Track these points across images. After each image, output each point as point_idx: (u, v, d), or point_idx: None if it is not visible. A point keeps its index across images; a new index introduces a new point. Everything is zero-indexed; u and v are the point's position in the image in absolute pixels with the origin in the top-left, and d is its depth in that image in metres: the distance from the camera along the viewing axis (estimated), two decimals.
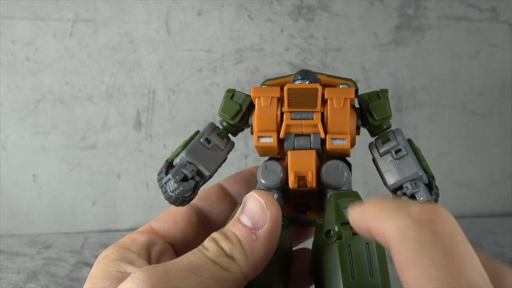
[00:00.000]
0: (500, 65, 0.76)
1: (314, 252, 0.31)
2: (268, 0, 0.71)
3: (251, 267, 0.27)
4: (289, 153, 0.32)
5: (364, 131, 0.35)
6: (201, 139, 0.34)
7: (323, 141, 0.32)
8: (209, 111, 0.72)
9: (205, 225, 0.37)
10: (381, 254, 0.29)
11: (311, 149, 0.32)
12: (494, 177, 0.79)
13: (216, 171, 0.34)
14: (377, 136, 0.34)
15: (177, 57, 0.72)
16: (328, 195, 0.32)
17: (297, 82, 0.33)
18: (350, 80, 0.34)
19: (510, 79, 0.77)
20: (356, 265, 0.28)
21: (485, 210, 0.79)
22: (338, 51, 0.73)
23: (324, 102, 0.32)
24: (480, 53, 0.75)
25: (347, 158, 0.34)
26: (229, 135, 0.35)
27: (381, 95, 0.34)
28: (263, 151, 0.34)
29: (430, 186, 0.32)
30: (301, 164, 0.31)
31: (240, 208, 0.29)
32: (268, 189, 0.32)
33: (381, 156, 0.33)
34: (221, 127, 0.35)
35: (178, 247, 0.36)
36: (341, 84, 0.33)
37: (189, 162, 0.32)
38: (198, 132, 0.35)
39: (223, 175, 0.38)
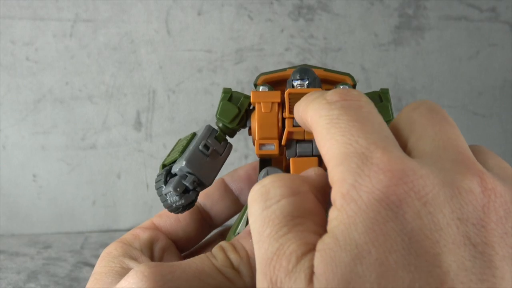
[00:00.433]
0: (500, 65, 0.76)
1: None
2: (268, 0, 0.71)
3: (255, 283, 0.27)
4: (291, 160, 0.31)
5: None
6: (200, 146, 0.32)
7: None
8: (209, 111, 0.72)
9: (207, 222, 0.37)
10: None
11: (313, 155, 0.31)
12: None
13: (216, 177, 0.33)
14: None
15: (177, 57, 0.72)
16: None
17: (295, 82, 0.32)
18: (348, 74, 0.34)
19: (510, 79, 0.77)
20: None
21: None
22: (338, 51, 0.73)
23: None
24: (480, 53, 0.75)
25: None
26: (227, 137, 0.34)
27: (383, 97, 0.34)
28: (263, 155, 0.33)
29: None
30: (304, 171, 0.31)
31: None
32: None
33: None
34: (217, 127, 0.34)
35: (180, 243, 0.36)
36: (340, 84, 0.33)
37: (189, 173, 0.31)
38: (194, 134, 0.34)
39: (223, 175, 0.38)
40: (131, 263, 0.29)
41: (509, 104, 0.77)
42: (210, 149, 0.33)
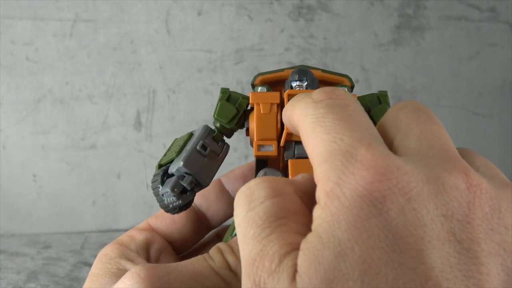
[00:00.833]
0: (500, 65, 0.76)
1: None
2: (268, 0, 0.71)
3: None
4: (289, 162, 0.31)
5: None
6: (197, 147, 0.32)
7: None
8: (209, 111, 0.72)
9: (203, 223, 0.37)
10: None
11: None
12: None
13: (213, 178, 0.33)
14: None
15: (177, 57, 0.72)
16: None
17: (294, 83, 0.32)
18: (346, 76, 0.33)
19: (510, 79, 0.77)
20: None
21: None
22: (338, 51, 0.73)
23: None
24: (480, 53, 0.75)
25: None
26: (224, 137, 0.34)
27: (382, 99, 0.33)
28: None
29: None
30: (302, 173, 0.31)
31: None
32: None
33: None
34: (214, 127, 0.34)
35: (177, 245, 0.35)
36: (339, 86, 0.32)
37: (186, 173, 0.31)
38: (191, 134, 0.34)
39: (221, 174, 0.38)
40: (127, 265, 0.29)
41: (509, 104, 0.77)
42: (208, 150, 0.32)
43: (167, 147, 0.35)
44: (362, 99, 0.33)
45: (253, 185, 0.21)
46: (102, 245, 0.67)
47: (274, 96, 0.31)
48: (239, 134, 0.36)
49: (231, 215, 0.37)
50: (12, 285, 0.56)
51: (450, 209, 0.18)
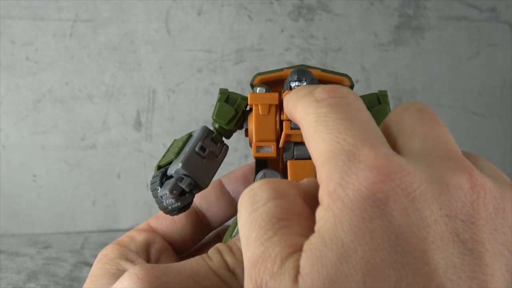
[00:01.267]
0: (500, 65, 0.76)
1: None
2: (268, 0, 0.71)
3: None
4: (289, 163, 0.31)
5: None
6: (196, 148, 0.32)
7: None
8: (209, 111, 0.72)
9: (203, 224, 0.37)
10: None
11: (311, 158, 0.31)
12: None
13: (212, 179, 0.33)
14: None
15: (177, 57, 0.72)
16: None
17: (293, 84, 0.31)
18: (345, 75, 0.33)
19: (510, 79, 0.77)
20: None
21: None
22: (338, 51, 0.73)
23: None
24: (480, 53, 0.75)
25: None
26: (223, 138, 0.34)
27: (381, 99, 0.33)
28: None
29: None
30: (302, 174, 0.30)
31: None
32: None
33: None
34: (212, 128, 0.33)
35: (177, 245, 0.35)
36: (338, 84, 0.33)
37: (185, 175, 0.31)
38: (190, 135, 0.33)
39: (221, 175, 0.38)
40: (127, 265, 0.29)
41: (509, 104, 0.77)
42: (207, 151, 0.32)
43: (167, 147, 0.35)
44: (362, 99, 0.33)
45: (256, 186, 0.21)
46: (102, 245, 0.67)
47: (273, 97, 0.31)
48: (239, 134, 0.36)
49: (231, 215, 0.37)
50: (12, 285, 0.56)
51: (454, 209, 0.18)
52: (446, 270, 0.17)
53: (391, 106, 0.33)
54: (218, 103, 0.33)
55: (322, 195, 0.19)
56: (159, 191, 0.31)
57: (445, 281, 0.17)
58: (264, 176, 0.31)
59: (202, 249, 0.37)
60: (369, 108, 0.32)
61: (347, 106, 0.21)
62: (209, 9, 0.71)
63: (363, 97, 0.33)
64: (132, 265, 0.29)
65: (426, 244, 0.18)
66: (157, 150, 0.73)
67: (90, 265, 0.62)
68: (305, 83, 0.31)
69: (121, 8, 0.70)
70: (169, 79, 0.72)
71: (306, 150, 0.31)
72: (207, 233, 0.38)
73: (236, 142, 0.71)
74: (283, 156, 0.32)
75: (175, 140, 0.35)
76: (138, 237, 0.33)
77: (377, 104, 0.33)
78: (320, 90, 0.22)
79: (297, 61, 0.72)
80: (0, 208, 0.72)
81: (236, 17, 0.72)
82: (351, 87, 0.33)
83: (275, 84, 0.33)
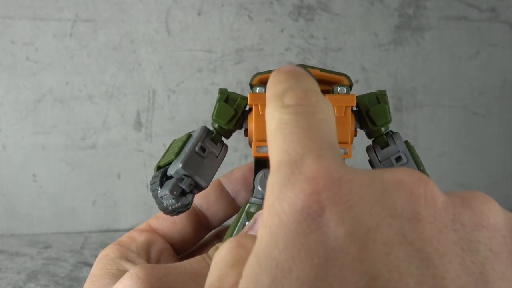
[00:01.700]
0: (500, 65, 0.76)
1: None
2: (268, 0, 0.71)
3: None
4: None
5: (360, 131, 0.34)
6: (196, 148, 0.32)
7: None
8: (209, 111, 0.72)
9: (203, 223, 0.37)
10: None
11: None
12: (494, 177, 0.79)
13: (212, 179, 0.33)
14: (374, 139, 0.33)
15: (177, 57, 0.72)
16: None
17: None
18: (344, 75, 0.33)
19: (510, 79, 0.77)
20: None
21: None
22: (338, 51, 0.73)
23: None
24: (480, 53, 0.75)
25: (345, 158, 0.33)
26: (222, 138, 0.34)
27: (380, 98, 0.33)
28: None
29: None
30: None
31: (249, 224, 0.28)
32: None
33: (380, 161, 0.33)
34: (212, 128, 0.33)
35: (177, 245, 0.35)
36: (337, 85, 0.32)
37: (185, 175, 0.31)
38: (190, 135, 0.33)
39: (221, 174, 0.38)
40: (127, 266, 0.29)
41: (509, 104, 0.77)
42: (207, 151, 0.32)
43: (167, 147, 0.35)
44: (361, 98, 0.33)
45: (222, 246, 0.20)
46: (102, 245, 0.67)
47: None
48: (239, 134, 0.36)
49: (230, 215, 0.37)
50: (12, 285, 0.56)
51: (397, 207, 0.17)
52: (389, 278, 0.16)
53: (391, 106, 0.33)
54: (217, 103, 0.33)
55: (264, 212, 0.18)
56: (159, 191, 0.31)
57: None
58: (264, 176, 0.31)
59: (202, 249, 0.37)
60: (368, 108, 0.32)
61: (311, 115, 0.20)
62: (209, 9, 0.71)
63: (362, 97, 0.33)
64: (132, 265, 0.29)
65: (365, 252, 0.16)
66: (157, 150, 0.73)
67: (90, 265, 0.62)
68: None
69: (121, 8, 0.70)
70: (169, 79, 0.72)
71: None
72: (207, 232, 0.38)
73: (236, 142, 0.71)
74: None
75: (175, 140, 0.35)
76: (138, 237, 0.33)
77: (376, 103, 0.33)
78: (290, 95, 0.21)
79: (297, 61, 0.72)
80: (0, 208, 0.72)
81: (236, 17, 0.72)
82: (350, 86, 0.33)
83: None
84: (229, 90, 0.34)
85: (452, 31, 0.74)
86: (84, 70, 0.71)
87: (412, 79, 0.75)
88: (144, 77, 0.72)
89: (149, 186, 0.32)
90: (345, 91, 0.32)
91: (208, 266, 0.26)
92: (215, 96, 0.33)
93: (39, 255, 0.65)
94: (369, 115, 0.32)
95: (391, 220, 0.17)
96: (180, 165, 0.31)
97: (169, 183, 0.31)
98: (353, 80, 0.34)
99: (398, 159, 0.32)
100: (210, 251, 0.27)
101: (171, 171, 0.31)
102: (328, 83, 0.33)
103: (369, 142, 0.34)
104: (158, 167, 0.32)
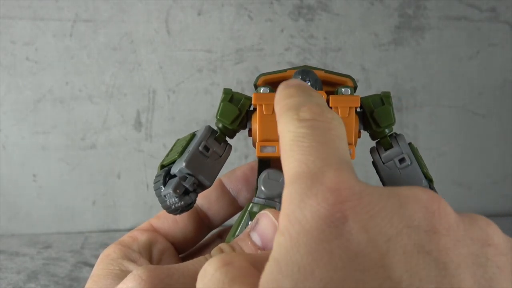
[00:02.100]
0: (500, 65, 0.76)
1: None
2: (268, 0, 0.71)
3: None
4: None
5: (364, 132, 0.34)
6: (200, 147, 0.32)
7: None
8: (209, 111, 0.72)
9: (205, 223, 0.37)
10: None
11: None
12: (494, 177, 0.79)
13: (215, 178, 0.33)
14: (378, 140, 0.33)
15: (177, 57, 0.72)
16: None
17: None
18: (349, 77, 0.33)
19: (510, 79, 0.77)
20: None
21: (485, 210, 0.79)
22: (338, 51, 0.73)
23: None
24: (480, 53, 0.75)
25: None
26: (226, 138, 0.34)
27: (384, 100, 0.33)
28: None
29: None
30: None
31: (252, 224, 0.28)
32: (269, 198, 0.31)
33: (384, 163, 0.33)
34: (216, 128, 0.33)
35: (179, 245, 0.35)
36: (342, 86, 0.32)
37: (189, 174, 0.31)
38: (194, 135, 0.34)
39: (220, 175, 0.38)
40: (130, 266, 0.29)
41: (509, 104, 0.77)
42: (210, 150, 0.32)
43: (167, 147, 0.35)
44: (365, 100, 0.33)
45: (206, 264, 0.21)
46: (102, 245, 0.67)
47: None
48: (239, 134, 0.36)
49: (232, 214, 0.37)
50: (12, 285, 0.56)
51: (415, 219, 0.18)
52: (411, 283, 0.17)
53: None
54: (222, 103, 0.33)
55: (281, 219, 0.19)
56: (162, 190, 0.31)
57: None
58: (267, 176, 0.31)
59: (204, 249, 0.37)
60: (372, 110, 0.32)
61: (327, 131, 0.21)
62: (209, 9, 0.71)
63: (367, 98, 0.33)
64: (135, 265, 0.29)
65: (387, 258, 0.17)
66: (157, 150, 0.73)
67: (90, 265, 0.62)
68: (308, 83, 0.31)
69: (121, 8, 0.70)
70: (169, 79, 0.72)
71: None
72: (209, 232, 0.38)
73: (236, 142, 0.71)
74: None
75: (178, 139, 0.35)
76: (140, 237, 0.33)
77: (380, 105, 0.33)
78: (306, 110, 0.22)
79: (297, 61, 0.72)
80: (0, 208, 0.72)
81: (236, 17, 0.72)
82: (355, 88, 0.33)
83: (278, 84, 0.33)
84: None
85: (452, 31, 0.75)
86: (84, 70, 0.71)
87: (412, 79, 0.75)
88: (144, 77, 0.72)
89: (152, 185, 0.32)
90: (349, 92, 0.32)
91: None
92: (215, 96, 0.33)
93: (39, 255, 0.65)
94: (373, 116, 0.32)
95: (410, 231, 0.18)
96: (184, 164, 0.31)
97: (173, 182, 0.31)
98: (351, 76, 0.34)
99: (402, 160, 0.32)
100: (213, 251, 0.27)
101: (174, 169, 0.32)
102: (332, 85, 0.33)
103: (373, 143, 0.34)
104: (162, 166, 0.33)
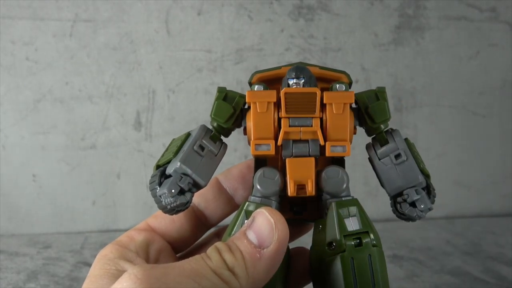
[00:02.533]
0: (500, 65, 0.76)
1: (314, 260, 0.31)
2: (268, 0, 0.71)
3: (251, 285, 0.26)
4: (287, 161, 0.31)
5: (360, 128, 0.34)
6: (195, 147, 0.32)
7: (321, 146, 0.31)
8: (209, 111, 0.71)
9: (202, 222, 0.37)
10: (382, 263, 0.29)
11: (309, 155, 0.31)
12: (494, 177, 0.79)
13: (211, 177, 0.32)
14: (374, 136, 0.33)
15: (177, 57, 0.72)
16: (328, 202, 0.31)
17: (291, 81, 0.31)
18: (343, 72, 0.33)
19: (510, 79, 0.77)
20: (360, 277, 0.28)
21: (485, 210, 0.79)
22: (338, 51, 0.73)
23: (323, 106, 0.31)
24: (480, 53, 0.75)
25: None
26: (221, 136, 0.33)
27: (379, 95, 0.33)
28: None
29: (428, 189, 0.31)
30: (301, 172, 0.30)
31: (248, 223, 0.28)
32: (264, 197, 0.31)
33: (379, 159, 0.32)
34: (211, 127, 0.33)
35: (176, 244, 0.35)
36: (337, 82, 0.32)
37: (184, 174, 0.31)
38: (189, 134, 0.33)
39: (217, 174, 0.38)
40: (126, 265, 0.29)
41: (509, 104, 0.77)
42: (205, 150, 0.32)
43: (167, 146, 0.35)
44: (359, 96, 0.33)
45: None
46: (102, 245, 0.67)
47: (271, 95, 0.31)
48: (239, 134, 0.36)
49: (229, 213, 0.37)
50: (12, 285, 0.56)
51: None
52: None
53: (391, 106, 0.33)
54: (216, 102, 0.33)
55: None
56: (158, 190, 0.31)
57: None
58: (263, 174, 0.31)
59: (201, 248, 0.37)
60: (367, 105, 0.32)
61: None
62: (209, 9, 0.71)
63: (361, 94, 0.33)
64: (131, 265, 0.29)
65: None
66: (157, 150, 0.73)
67: (90, 265, 0.62)
68: (303, 80, 0.31)
69: (121, 8, 0.70)
70: (169, 79, 0.72)
71: (305, 148, 0.31)
72: (206, 231, 0.37)
73: (236, 142, 0.71)
74: (281, 154, 0.31)
75: (174, 139, 0.35)
76: (137, 237, 0.33)
77: (375, 100, 0.32)
78: None
79: (297, 61, 0.72)
80: (0, 208, 0.72)
81: (236, 17, 0.72)
82: (350, 84, 0.32)
83: (273, 82, 0.33)
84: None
85: (452, 31, 0.75)
86: (84, 70, 0.71)
87: (412, 79, 0.75)
88: (144, 77, 0.72)
89: (148, 185, 0.32)
90: (344, 88, 0.32)
91: (207, 265, 0.26)
92: (215, 96, 0.33)
93: (39, 255, 0.65)
94: (368, 112, 0.32)
95: None
96: (179, 163, 0.31)
97: (168, 182, 0.30)
98: (353, 80, 0.34)
99: (398, 156, 0.32)
100: (209, 250, 0.27)
101: (169, 169, 0.31)
102: (327, 81, 0.33)
103: (369, 139, 0.34)
104: (157, 166, 0.32)
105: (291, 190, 0.30)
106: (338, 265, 0.28)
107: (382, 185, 0.32)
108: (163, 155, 0.33)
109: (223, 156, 0.33)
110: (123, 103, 0.72)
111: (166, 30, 0.71)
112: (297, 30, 0.72)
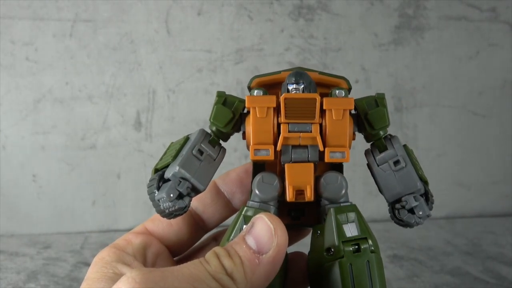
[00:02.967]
0: (500, 65, 0.76)
1: (312, 266, 0.31)
2: (268, 0, 0.71)
3: None
4: (286, 166, 0.31)
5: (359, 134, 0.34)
6: (194, 151, 0.32)
7: (320, 151, 0.31)
8: (209, 111, 0.71)
9: (199, 225, 0.37)
10: (380, 269, 0.29)
11: (308, 161, 0.31)
12: (494, 177, 0.79)
13: (209, 182, 0.32)
14: (372, 142, 0.33)
15: (177, 57, 0.72)
16: (326, 207, 0.31)
17: (291, 86, 0.31)
18: (343, 78, 0.33)
19: (510, 79, 0.77)
20: (358, 283, 0.28)
21: (485, 210, 0.79)
22: (338, 51, 0.73)
23: (322, 112, 0.30)
24: (480, 53, 0.75)
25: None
26: (220, 141, 0.33)
27: (379, 102, 0.32)
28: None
29: (426, 196, 0.31)
30: (299, 178, 0.30)
31: (247, 228, 0.28)
32: (263, 202, 0.31)
33: (378, 165, 0.32)
34: (210, 131, 0.33)
35: (173, 248, 0.35)
36: (336, 88, 0.32)
37: (183, 178, 0.31)
38: (187, 138, 0.33)
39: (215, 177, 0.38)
40: (124, 269, 0.29)
41: (509, 104, 0.77)
42: (204, 154, 0.32)
43: (167, 147, 0.35)
44: (359, 102, 0.33)
45: None
46: (102, 245, 0.67)
47: (270, 100, 0.31)
48: (239, 134, 0.36)
49: (226, 217, 0.37)
50: (12, 285, 0.57)
51: None
52: None
53: (391, 106, 0.33)
54: (215, 106, 0.32)
55: None
56: (156, 194, 0.31)
57: None
58: (262, 179, 0.31)
59: (199, 252, 0.37)
60: (367, 112, 0.32)
61: None
62: (209, 9, 0.71)
63: (361, 100, 0.33)
64: (129, 268, 0.29)
65: None
66: (157, 150, 0.73)
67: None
68: (302, 86, 0.31)
69: (121, 8, 0.70)
70: (169, 79, 0.72)
71: (304, 153, 0.31)
72: (203, 234, 0.37)
73: (236, 142, 0.70)
74: (280, 159, 0.31)
75: (172, 143, 0.34)
76: (134, 240, 0.33)
77: (374, 107, 0.32)
78: None
79: (297, 61, 0.72)
80: (0, 208, 0.72)
81: (236, 17, 0.71)
82: (349, 89, 0.32)
83: (272, 86, 0.33)
84: (229, 90, 0.34)
85: (452, 31, 0.74)
86: (84, 70, 0.71)
87: (412, 79, 0.75)
88: (144, 77, 0.72)
89: (146, 189, 0.32)
90: (343, 94, 0.31)
91: (206, 270, 0.26)
92: (215, 96, 0.33)
93: (39, 255, 0.65)
94: (367, 118, 0.32)
95: None
96: (177, 168, 0.31)
97: (166, 186, 0.30)
98: (353, 80, 0.34)
99: (396, 163, 0.32)
100: (207, 255, 0.27)
101: (168, 174, 0.31)
102: (327, 86, 0.33)
103: (368, 145, 0.34)
104: (156, 170, 0.32)
105: (289, 196, 0.30)
106: (336, 271, 0.28)
107: (380, 191, 0.32)
108: (161, 159, 0.33)
109: (222, 160, 0.33)
110: (123, 103, 0.72)
111: (166, 30, 0.71)
112: (297, 30, 0.72)
